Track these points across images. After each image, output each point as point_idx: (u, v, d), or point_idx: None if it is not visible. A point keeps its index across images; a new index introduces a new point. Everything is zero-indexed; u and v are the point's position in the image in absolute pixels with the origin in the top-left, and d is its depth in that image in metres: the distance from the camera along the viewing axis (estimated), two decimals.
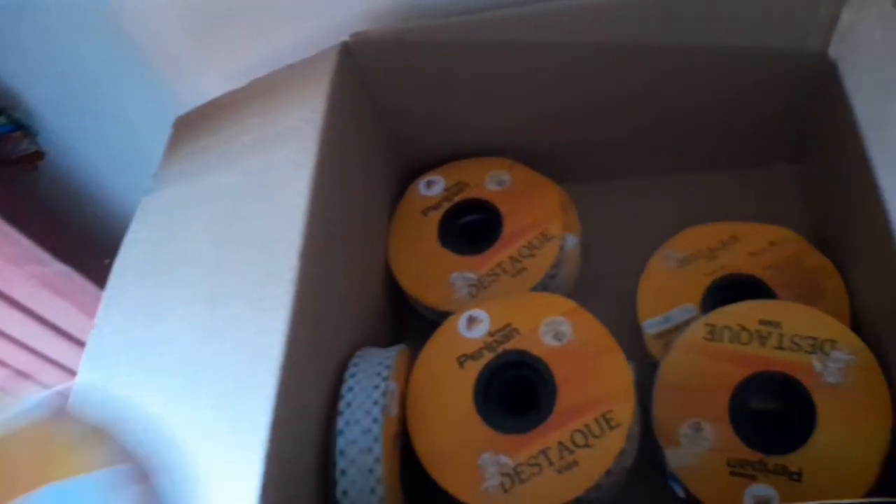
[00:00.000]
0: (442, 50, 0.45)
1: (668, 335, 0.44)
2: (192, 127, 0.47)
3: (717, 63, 0.45)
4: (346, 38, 0.44)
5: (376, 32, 0.44)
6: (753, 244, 0.46)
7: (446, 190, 0.52)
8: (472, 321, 0.42)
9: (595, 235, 0.54)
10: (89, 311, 0.64)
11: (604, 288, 0.51)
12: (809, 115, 0.49)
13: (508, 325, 0.41)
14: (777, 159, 0.54)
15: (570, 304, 0.41)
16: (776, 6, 0.41)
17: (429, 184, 0.52)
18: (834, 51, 0.43)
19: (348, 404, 0.37)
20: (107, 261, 0.41)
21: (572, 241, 0.50)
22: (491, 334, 0.41)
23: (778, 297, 0.44)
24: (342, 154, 0.43)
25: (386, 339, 0.50)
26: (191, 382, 0.34)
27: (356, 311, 0.45)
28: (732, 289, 0.45)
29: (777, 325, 0.40)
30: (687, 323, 0.44)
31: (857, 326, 0.42)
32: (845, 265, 0.44)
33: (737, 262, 0.46)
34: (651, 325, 0.45)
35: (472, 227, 0.51)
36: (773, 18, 0.42)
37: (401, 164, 0.54)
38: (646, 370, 0.41)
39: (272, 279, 0.36)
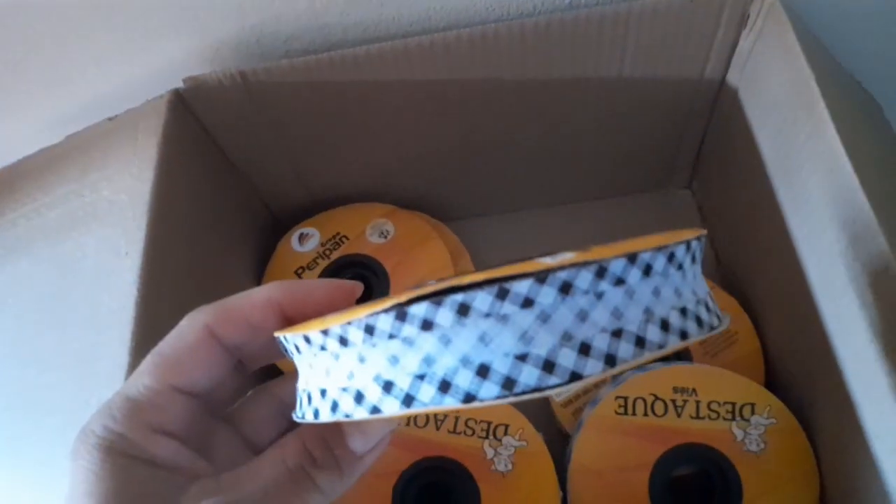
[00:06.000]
0: (295, 92, 0.38)
1: (577, 401, 0.40)
2: None
3: (611, 91, 0.41)
4: (177, 84, 0.36)
5: (214, 77, 0.36)
6: None
7: (322, 245, 0.45)
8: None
9: None
10: None
11: None
12: (708, 141, 0.46)
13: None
14: (673, 185, 0.51)
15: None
16: (673, 31, 0.37)
17: (302, 237, 0.45)
18: (734, 78, 0.39)
19: None
20: None
21: None
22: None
23: (687, 346, 0.41)
24: (181, 225, 0.35)
25: None
26: None
27: None
28: None
29: (692, 391, 0.36)
30: (595, 384, 0.41)
31: (770, 371, 0.39)
32: (752, 303, 0.42)
33: None
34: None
35: None
36: (669, 44, 0.38)
37: (268, 217, 0.47)
38: (556, 439, 0.37)
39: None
